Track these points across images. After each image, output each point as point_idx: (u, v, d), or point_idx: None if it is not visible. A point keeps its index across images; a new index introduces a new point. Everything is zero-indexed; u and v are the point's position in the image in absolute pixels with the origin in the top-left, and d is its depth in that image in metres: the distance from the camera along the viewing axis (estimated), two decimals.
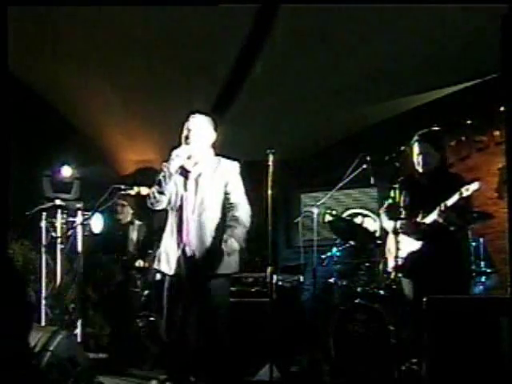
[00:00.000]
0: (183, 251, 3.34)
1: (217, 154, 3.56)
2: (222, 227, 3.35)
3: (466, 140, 5.51)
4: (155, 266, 3.46)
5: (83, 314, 5.65)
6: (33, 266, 5.89)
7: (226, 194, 3.42)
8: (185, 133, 3.42)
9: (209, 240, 3.33)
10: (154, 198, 3.38)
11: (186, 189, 3.41)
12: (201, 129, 3.45)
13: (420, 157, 3.73)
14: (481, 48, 4.56)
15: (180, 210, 3.39)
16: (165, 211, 3.50)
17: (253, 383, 4.11)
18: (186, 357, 3.39)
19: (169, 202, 3.43)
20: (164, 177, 3.34)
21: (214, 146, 3.56)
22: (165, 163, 3.37)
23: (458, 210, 3.50)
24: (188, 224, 3.35)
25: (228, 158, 3.54)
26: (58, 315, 5.46)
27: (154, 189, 3.38)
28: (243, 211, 3.38)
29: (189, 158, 3.41)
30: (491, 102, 4.76)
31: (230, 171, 3.46)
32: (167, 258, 3.38)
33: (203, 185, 3.39)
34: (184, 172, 3.44)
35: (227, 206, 3.41)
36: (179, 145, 3.42)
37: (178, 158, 3.33)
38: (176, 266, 3.34)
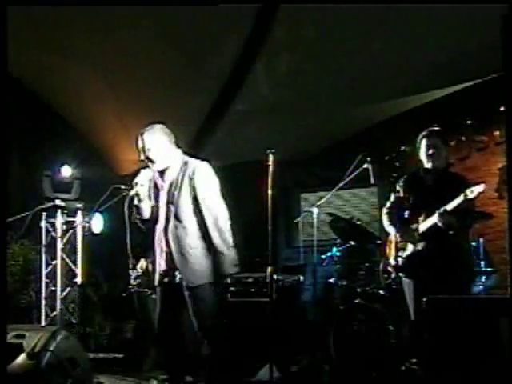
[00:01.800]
0: (165, 265, 3.33)
1: (186, 154, 3.44)
2: (199, 236, 3.28)
3: (465, 140, 5.51)
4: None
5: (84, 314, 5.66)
6: (32, 266, 5.90)
7: (196, 200, 3.27)
8: (141, 149, 3.34)
9: (187, 252, 3.26)
10: (136, 217, 3.35)
11: (159, 201, 3.36)
12: (154, 140, 3.32)
13: (430, 150, 3.67)
14: (481, 48, 4.56)
15: (156, 222, 3.35)
16: None
17: (253, 383, 4.11)
18: (177, 361, 3.40)
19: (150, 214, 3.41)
20: (135, 202, 3.30)
21: (178, 146, 3.41)
22: (130, 191, 3.30)
23: (458, 212, 3.48)
24: (163, 239, 3.31)
25: (197, 158, 3.40)
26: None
27: (132, 211, 3.32)
28: (222, 239, 3.25)
29: (156, 172, 3.35)
30: (491, 101, 4.76)
31: (197, 174, 3.28)
32: (153, 269, 3.41)
33: (175, 196, 3.29)
34: (156, 186, 3.39)
35: (202, 215, 3.27)
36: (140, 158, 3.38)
37: (142, 186, 3.28)
38: (159, 278, 3.36)
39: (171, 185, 3.32)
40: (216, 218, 3.26)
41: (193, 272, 3.26)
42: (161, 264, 3.35)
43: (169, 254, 3.30)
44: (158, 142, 3.33)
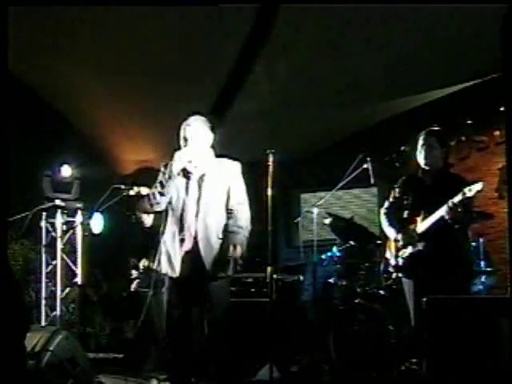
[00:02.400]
0: (187, 253, 3.34)
1: (217, 155, 3.53)
2: (226, 229, 3.37)
3: (466, 140, 5.51)
4: (155, 267, 3.45)
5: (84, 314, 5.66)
6: (33, 266, 5.90)
7: (229, 196, 3.42)
8: (183, 135, 3.42)
9: (214, 242, 3.33)
10: (155, 198, 3.37)
11: (188, 192, 3.39)
12: (199, 132, 3.43)
13: (424, 150, 3.68)
14: (481, 48, 4.56)
15: (183, 212, 3.37)
16: (164, 211, 3.49)
17: (253, 383, 4.11)
18: (186, 358, 3.39)
19: (169, 204, 3.41)
20: (165, 178, 3.34)
21: (213, 146, 3.53)
22: (164, 164, 3.37)
23: (462, 208, 3.48)
24: (192, 227, 3.34)
25: (229, 157, 3.52)
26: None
27: (155, 190, 3.37)
28: (245, 218, 3.42)
29: (190, 161, 3.39)
30: (491, 101, 4.76)
31: (233, 172, 3.46)
32: (169, 260, 3.37)
33: (206, 187, 3.38)
34: (186, 175, 3.43)
35: (229, 210, 3.42)
36: (178, 146, 3.42)
37: (181, 160, 3.32)
38: (179, 268, 3.34)
39: (203, 178, 3.40)
40: (242, 217, 3.41)
41: (215, 263, 3.32)
42: (181, 254, 3.35)
43: (194, 241, 3.34)
44: (204, 139, 3.44)
